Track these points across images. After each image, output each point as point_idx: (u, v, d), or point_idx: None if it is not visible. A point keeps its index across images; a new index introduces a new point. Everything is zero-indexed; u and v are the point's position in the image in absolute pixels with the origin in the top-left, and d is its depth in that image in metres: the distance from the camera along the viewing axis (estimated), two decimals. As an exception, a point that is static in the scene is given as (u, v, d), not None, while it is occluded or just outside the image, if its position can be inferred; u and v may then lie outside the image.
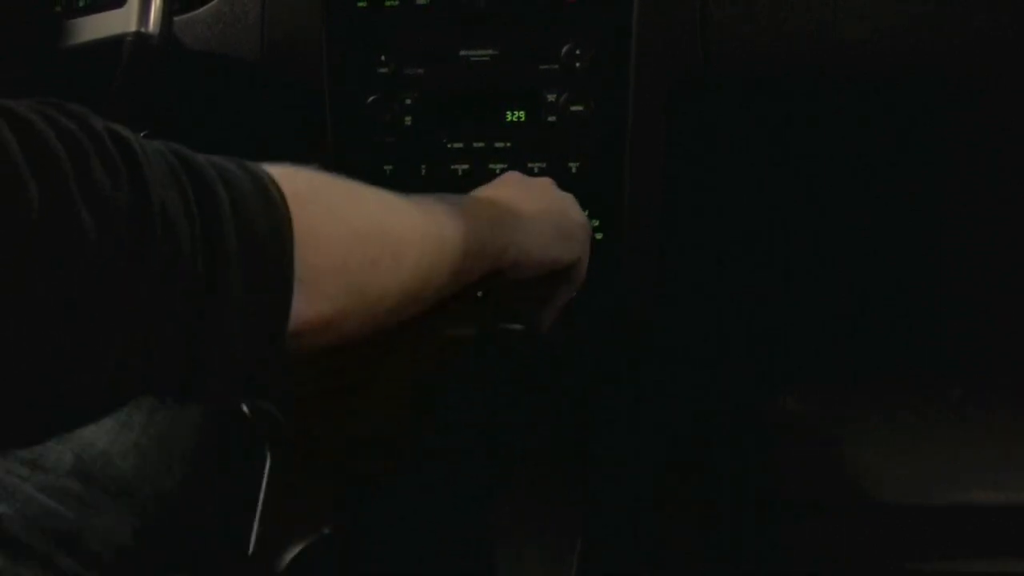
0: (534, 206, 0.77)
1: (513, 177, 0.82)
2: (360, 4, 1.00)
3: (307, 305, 0.52)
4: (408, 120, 1.01)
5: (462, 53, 1.00)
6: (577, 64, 0.99)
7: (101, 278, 0.43)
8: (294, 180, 0.53)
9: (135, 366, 0.45)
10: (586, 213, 1.02)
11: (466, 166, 1.02)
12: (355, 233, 0.56)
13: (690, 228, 1.22)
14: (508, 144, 1.01)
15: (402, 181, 1.02)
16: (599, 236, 1.03)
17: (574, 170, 1.02)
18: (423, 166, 1.02)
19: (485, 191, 0.77)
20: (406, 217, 0.62)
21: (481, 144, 1.01)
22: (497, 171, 1.01)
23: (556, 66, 1.00)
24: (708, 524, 1.22)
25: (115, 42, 0.88)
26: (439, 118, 1.02)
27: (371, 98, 1.01)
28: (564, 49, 0.99)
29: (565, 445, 1.17)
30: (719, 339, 1.31)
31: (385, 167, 1.03)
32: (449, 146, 1.02)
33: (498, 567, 1.06)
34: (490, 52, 1.00)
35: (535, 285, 0.78)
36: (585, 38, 0.99)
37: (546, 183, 0.84)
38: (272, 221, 0.50)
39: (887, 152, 1.26)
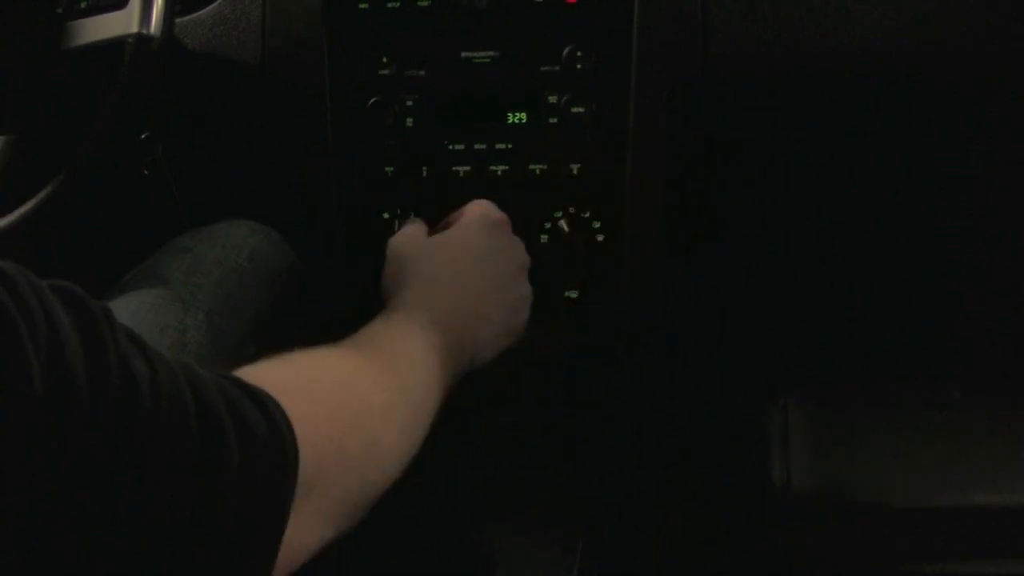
0: (494, 310, 0.80)
1: (474, 248, 0.83)
2: (361, 6, 1.00)
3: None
4: (409, 122, 1.01)
5: (463, 55, 1.00)
6: (579, 65, 0.99)
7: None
8: (299, 404, 0.55)
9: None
10: (587, 215, 1.03)
11: (467, 168, 1.02)
12: (347, 452, 0.60)
13: (692, 229, 1.22)
14: (509, 146, 1.01)
15: (403, 183, 1.03)
16: (600, 238, 1.03)
17: (575, 171, 1.02)
18: (424, 168, 1.02)
19: (447, 284, 0.79)
20: (383, 410, 0.65)
21: (482, 146, 1.01)
22: (499, 172, 1.01)
23: (557, 67, 1.00)
24: (708, 525, 1.22)
25: (116, 44, 0.88)
26: (440, 120, 1.01)
27: (372, 100, 1.00)
28: (565, 50, 0.99)
29: (566, 446, 1.17)
30: (719, 340, 1.31)
31: (386, 169, 1.02)
32: (450, 148, 1.02)
33: (499, 567, 1.06)
34: (491, 54, 1.00)
35: None
36: (586, 39, 0.99)
37: (502, 247, 0.85)
38: (280, 472, 0.52)
39: (888, 152, 1.26)
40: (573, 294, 1.04)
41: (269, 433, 0.52)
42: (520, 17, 0.99)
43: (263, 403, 0.53)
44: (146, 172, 1.04)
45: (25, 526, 0.43)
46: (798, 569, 0.99)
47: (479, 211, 0.89)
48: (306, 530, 0.54)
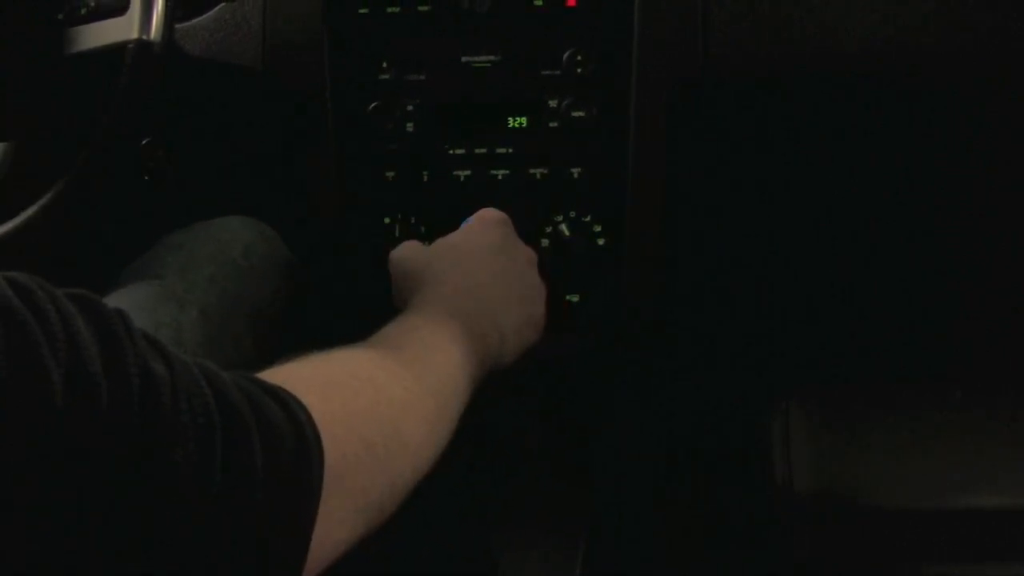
0: (510, 298, 0.79)
1: (480, 245, 0.83)
2: (361, 11, 1.00)
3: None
4: (410, 127, 1.01)
5: (464, 59, 1.00)
6: (579, 70, 0.99)
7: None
8: (326, 411, 0.54)
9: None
10: (588, 219, 1.03)
11: (468, 172, 1.02)
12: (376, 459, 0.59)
13: (692, 231, 1.22)
14: (510, 150, 1.01)
15: (404, 188, 1.03)
16: (601, 241, 1.03)
17: (576, 175, 1.02)
18: (425, 173, 1.02)
19: (459, 280, 0.79)
20: (411, 413, 0.64)
21: (483, 150, 1.01)
22: (499, 177, 1.02)
23: (558, 72, 1.00)
24: (708, 525, 1.22)
25: (117, 49, 0.88)
26: (441, 124, 1.01)
27: (373, 105, 1.00)
28: (566, 55, 0.99)
29: (569, 447, 1.18)
30: (721, 342, 1.31)
31: (387, 174, 1.03)
32: (451, 152, 1.02)
33: (501, 567, 1.06)
34: (492, 58, 1.00)
35: None
36: (587, 43, 0.99)
37: (508, 242, 0.85)
38: (305, 470, 0.51)
39: (888, 152, 1.26)
40: (574, 298, 1.05)
41: (293, 431, 0.51)
42: (520, 21, 1.00)
43: (285, 401, 0.52)
44: (147, 177, 1.04)
45: (49, 532, 0.43)
46: (798, 569, 0.99)
47: (479, 214, 0.89)
48: (335, 527, 0.54)
